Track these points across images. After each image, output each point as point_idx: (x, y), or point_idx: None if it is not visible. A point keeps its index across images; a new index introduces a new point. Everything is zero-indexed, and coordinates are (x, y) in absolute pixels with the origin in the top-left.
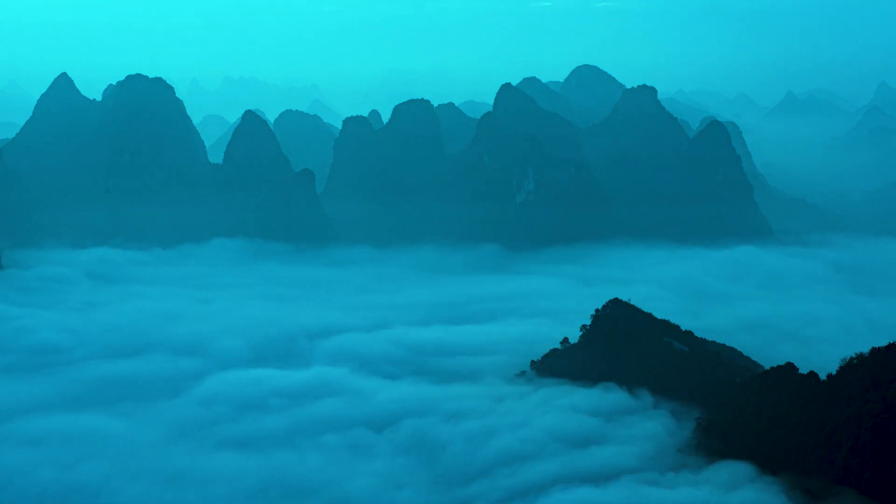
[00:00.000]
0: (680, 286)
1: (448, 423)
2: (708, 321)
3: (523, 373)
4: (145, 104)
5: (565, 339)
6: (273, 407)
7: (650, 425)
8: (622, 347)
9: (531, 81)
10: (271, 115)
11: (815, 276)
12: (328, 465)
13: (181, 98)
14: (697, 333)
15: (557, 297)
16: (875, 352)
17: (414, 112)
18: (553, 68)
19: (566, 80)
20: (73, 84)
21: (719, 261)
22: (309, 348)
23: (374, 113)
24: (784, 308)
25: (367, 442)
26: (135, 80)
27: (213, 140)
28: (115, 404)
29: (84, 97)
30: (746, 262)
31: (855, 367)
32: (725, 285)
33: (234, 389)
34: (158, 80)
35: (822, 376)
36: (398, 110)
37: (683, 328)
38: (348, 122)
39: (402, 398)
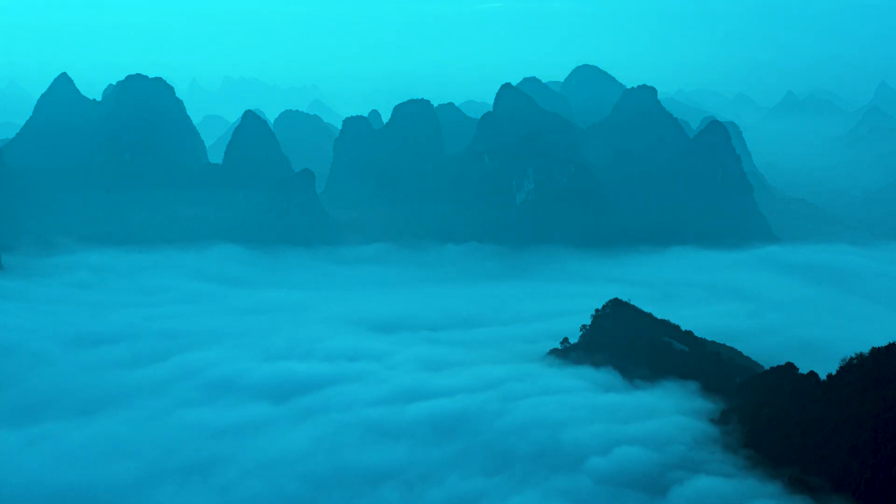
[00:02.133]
0: (679, 286)
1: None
2: (707, 321)
3: None
4: (145, 104)
5: (565, 339)
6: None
7: (649, 425)
8: (622, 347)
9: (531, 81)
10: (271, 115)
11: (814, 276)
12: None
13: (181, 98)
14: (697, 333)
15: (556, 297)
16: (875, 352)
17: (414, 112)
18: (553, 68)
19: (566, 80)
20: (73, 84)
21: (719, 261)
22: (313, 346)
23: (374, 113)
24: (784, 308)
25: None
26: (135, 80)
27: (213, 140)
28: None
29: (84, 97)
30: (745, 262)
31: (855, 367)
32: (725, 285)
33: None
34: (158, 80)
35: (822, 376)
36: (398, 110)
37: (683, 328)
38: (348, 122)
39: (408, 384)
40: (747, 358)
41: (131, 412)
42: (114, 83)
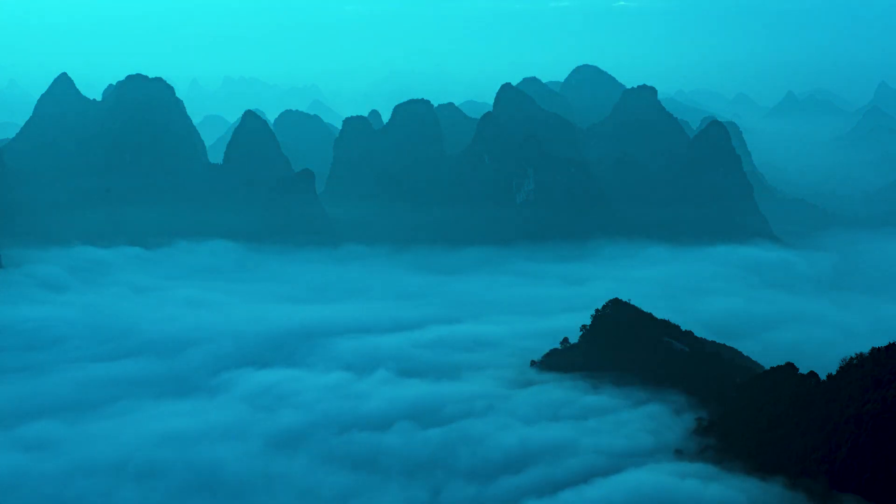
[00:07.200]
0: (680, 286)
1: (449, 421)
2: (708, 321)
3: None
4: (145, 104)
5: (565, 340)
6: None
7: (650, 425)
8: (622, 347)
9: (531, 81)
10: (271, 115)
11: (814, 277)
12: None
13: (181, 98)
14: (697, 333)
15: (556, 298)
16: (875, 352)
17: (414, 112)
18: (553, 68)
19: (566, 80)
20: (73, 84)
21: (719, 261)
22: (313, 347)
23: (374, 113)
24: (784, 308)
25: (365, 441)
26: (135, 80)
27: (213, 140)
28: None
29: (84, 97)
30: (746, 263)
31: (855, 367)
32: (725, 285)
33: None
34: (158, 80)
35: (822, 376)
36: (398, 110)
37: (683, 328)
38: (348, 122)
39: (403, 397)
40: (747, 358)
41: None
42: (114, 83)
